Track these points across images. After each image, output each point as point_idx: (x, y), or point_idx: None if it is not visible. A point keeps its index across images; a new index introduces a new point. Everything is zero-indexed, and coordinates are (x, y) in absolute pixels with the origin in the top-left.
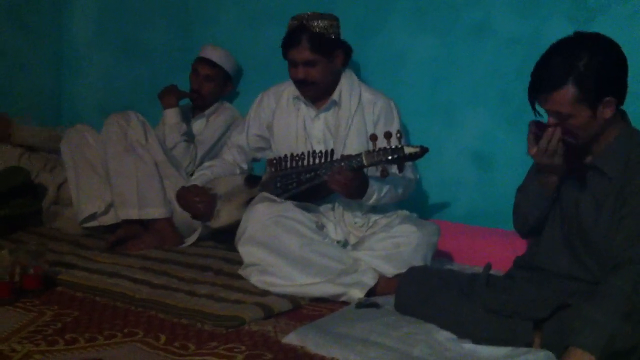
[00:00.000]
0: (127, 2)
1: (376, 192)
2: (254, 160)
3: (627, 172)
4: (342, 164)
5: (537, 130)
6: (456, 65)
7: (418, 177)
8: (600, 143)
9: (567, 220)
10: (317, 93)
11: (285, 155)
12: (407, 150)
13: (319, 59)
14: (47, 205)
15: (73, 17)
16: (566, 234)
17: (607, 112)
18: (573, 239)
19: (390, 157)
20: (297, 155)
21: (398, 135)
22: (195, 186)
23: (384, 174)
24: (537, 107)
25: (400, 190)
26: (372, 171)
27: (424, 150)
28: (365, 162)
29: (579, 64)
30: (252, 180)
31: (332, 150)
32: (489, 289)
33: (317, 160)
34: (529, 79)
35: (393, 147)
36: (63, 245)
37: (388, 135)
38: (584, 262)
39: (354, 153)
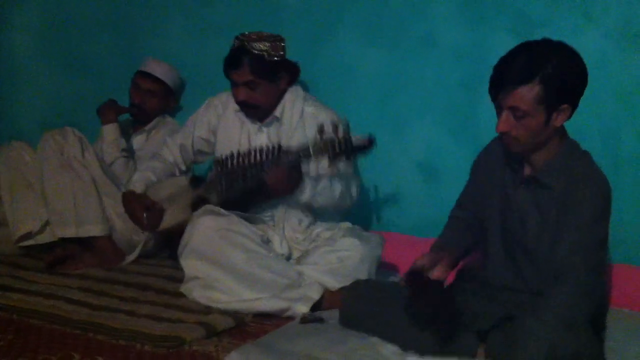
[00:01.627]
0: (70, 14)
1: (309, 188)
2: (194, 162)
3: (570, 184)
4: (288, 155)
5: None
6: (404, 78)
7: (359, 187)
8: (541, 155)
9: (510, 234)
10: (260, 115)
11: (232, 153)
12: (355, 140)
13: (259, 81)
14: None
15: (12, 29)
16: (508, 247)
17: (559, 121)
18: (515, 252)
19: (337, 149)
20: (244, 152)
21: (345, 127)
22: (144, 198)
23: (332, 169)
24: (494, 108)
25: (338, 191)
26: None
27: (371, 141)
28: (312, 152)
29: (548, 65)
30: (196, 181)
31: (280, 146)
32: None
33: (263, 157)
34: (473, 90)
35: (340, 136)
36: None
37: (335, 128)
38: (525, 275)
39: None
